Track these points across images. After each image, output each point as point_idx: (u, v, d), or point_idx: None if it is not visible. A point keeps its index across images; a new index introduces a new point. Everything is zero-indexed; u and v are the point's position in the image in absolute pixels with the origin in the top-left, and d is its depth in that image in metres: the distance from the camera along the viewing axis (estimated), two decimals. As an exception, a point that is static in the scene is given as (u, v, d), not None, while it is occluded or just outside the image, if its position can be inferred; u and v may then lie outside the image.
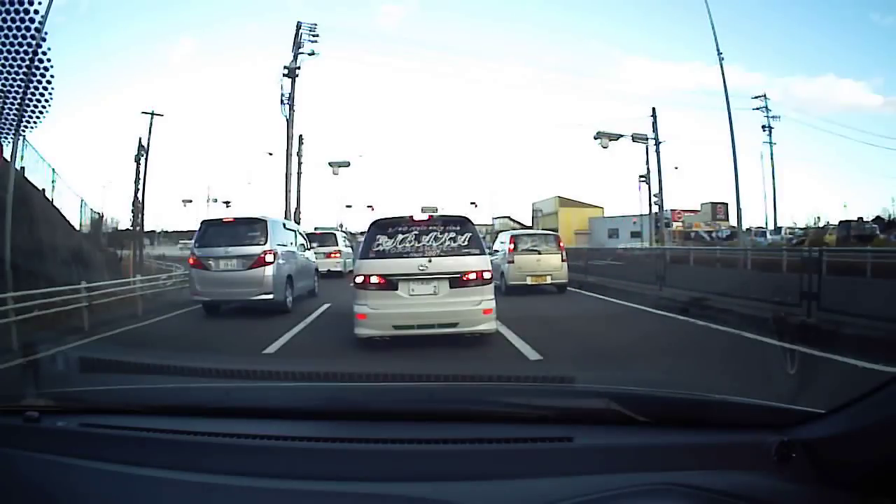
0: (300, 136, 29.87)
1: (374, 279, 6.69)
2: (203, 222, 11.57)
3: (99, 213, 22.16)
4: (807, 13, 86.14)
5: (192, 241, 11.55)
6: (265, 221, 11.17)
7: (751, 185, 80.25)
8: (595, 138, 29.89)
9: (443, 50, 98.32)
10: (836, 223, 37.67)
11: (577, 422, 1.46)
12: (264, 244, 10.66)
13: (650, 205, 31.87)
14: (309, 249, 14.18)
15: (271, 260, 10.58)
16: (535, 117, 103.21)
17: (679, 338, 7.75)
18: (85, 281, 10.17)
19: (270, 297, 10.44)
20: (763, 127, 38.93)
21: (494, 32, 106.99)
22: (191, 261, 11.06)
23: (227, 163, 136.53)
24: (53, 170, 15.96)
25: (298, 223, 23.39)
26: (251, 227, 10.92)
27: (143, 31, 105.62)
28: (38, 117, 9.75)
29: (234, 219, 11.43)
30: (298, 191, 29.50)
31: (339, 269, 19.65)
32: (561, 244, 14.22)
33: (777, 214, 43.78)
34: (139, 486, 1.28)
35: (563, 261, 13.61)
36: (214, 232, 11.04)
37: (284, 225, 12.91)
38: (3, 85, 9.30)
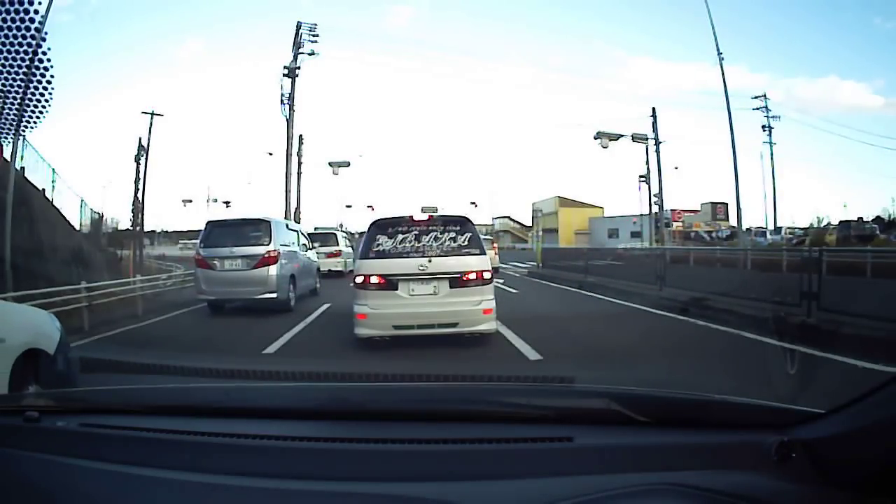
0: (300, 136, 29.90)
1: (374, 279, 6.69)
2: (208, 223, 11.77)
3: (99, 213, 22.14)
4: (810, 16, 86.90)
5: (198, 241, 11.76)
6: (269, 222, 11.41)
7: (751, 185, 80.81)
8: (595, 138, 29.84)
9: (443, 50, 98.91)
10: (836, 223, 37.72)
11: (577, 422, 1.45)
12: (268, 244, 10.88)
13: (650, 205, 31.84)
14: (311, 249, 14.41)
15: (275, 260, 10.79)
16: (535, 117, 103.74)
17: (679, 338, 7.75)
18: (85, 281, 10.17)
19: (274, 295, 10.64)
20: (763, 127, 38.86)
21: (494, 33, 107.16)
22: (196, 260, 11.25)
23: (227, 163, 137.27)
24: (53, 170, 15.94)
25: (298, 223, 23.41)
26: (255, 228, 11.15)
27: (143, 30, 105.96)
28: (38, 117, 9.75)
29: (239, 219, 11.69)
30: (298, 191, 29.53)
31: (339, 268, 19.68)
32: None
33: (777, 214, 43.78)
34: (139, 486, 1.28)
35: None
36: (219, 232, 11.24)
37: (287, 225, 13.21)
38: (3, 85, 9.29)
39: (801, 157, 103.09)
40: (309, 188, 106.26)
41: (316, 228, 24.22)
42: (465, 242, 6.85)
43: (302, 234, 14.13)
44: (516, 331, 7.36)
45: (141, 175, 24.30)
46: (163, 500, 1.25)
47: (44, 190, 15.04)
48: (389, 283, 6.68)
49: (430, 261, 6.68)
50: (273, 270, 10.71)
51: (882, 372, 4.95)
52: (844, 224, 35.91)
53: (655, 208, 31.89)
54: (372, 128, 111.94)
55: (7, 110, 9.66)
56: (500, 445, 1.36)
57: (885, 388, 1.15)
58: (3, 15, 8.61)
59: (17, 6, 8.62)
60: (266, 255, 10.75)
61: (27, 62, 8.99)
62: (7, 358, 3.59)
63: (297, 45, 27.50)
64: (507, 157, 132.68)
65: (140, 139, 24.70)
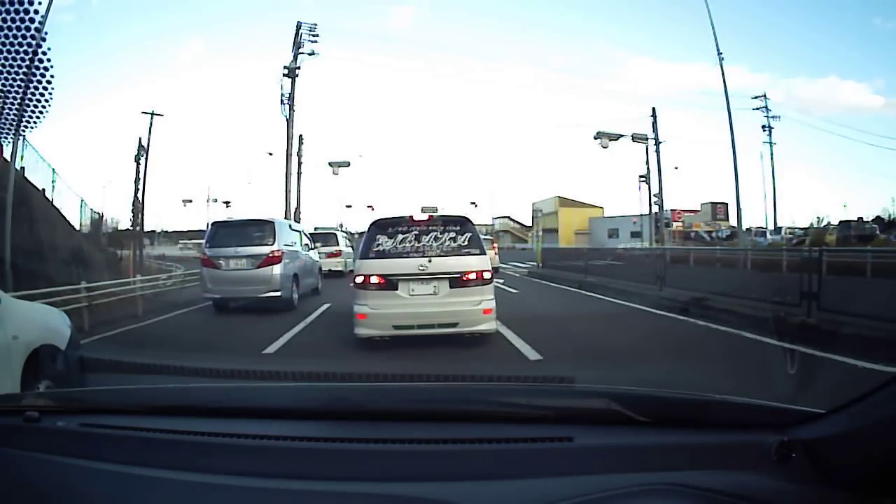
0: (300, 136, 29.92)
1: (374, 279, 6.69)
2: (214, 223, 12.24)
3: (99, 213, 22.11)
4: (810, 16, 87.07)
5: (203, 241, 12.14)
6: (273, 223, 11.81)
7: (751, 185, 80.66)
8: (595, 138, 29.83)
9: (443, 50, 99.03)
10: (836, 223, 37.73)
11: (577, 422, 1.45)
12: (272, 244, 11.19)
13: (650, 205, 31.84)
14: (313, 249, 14.78)
15: (279, 259, 11.10)
16: (535, 117, 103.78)
17: (679, 338, 7.75)
18: (85, 281, 10.16)
19: (278, 294, 10.93)
20: (763, 127, 38.92)
21: (495, 33, 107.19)
22: (202, 260, 11.60)
23: (227, 163, 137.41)
24: (53, 170, 15.93)
25: (298, 223, 23.46)
26: (260, 228, 11.51)
27: (143, 30, 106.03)
28: (38, 117, 9.72)
29: (244, 220, 12.10)
30: (298, 191, 29.55)
31: (339, 268, 19.69)
32: None
33: (777, 214, 43.81)
34: (139, 486, 1.28)
35: None
36: (225, 233, 11.61)
37: (290, 226, 13.64)
38: (3, 85, 9.28)
39: (801, 157, 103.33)
40: (309, 188, 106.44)
41: (316, 228, 24.22)
42: (465, 242, 6.85)
43: (304, 234, 14.48)
44: (516, 331, 7.36)
45: (141, 175, 24.35)
46: (163, 500, 1.25)
47: (44, 190, 15.04)
48: (389, 283, 6.68)
49: (430, 261, 6.68)
50: (277, 270, 11.00)
51: (882, 372, 4.95)
52: (844, 224, 35.89)
53: (655, 208, 31.89)
54: (372, 128, 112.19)
55: (7, 110, 9.65)
56: (500, 445, 1.36)
57: (885, 388, 1.15)
58: (3, 15, 8.60)
59: (17, 6, 8.60)
60: (270, 255, 11.04)
61: (27, 62, 8.98)
62: (20, 354, 3.73)
63: (297, 45, 27.51)
64: (507, 157, 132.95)
65: (140, 139, 24.77)
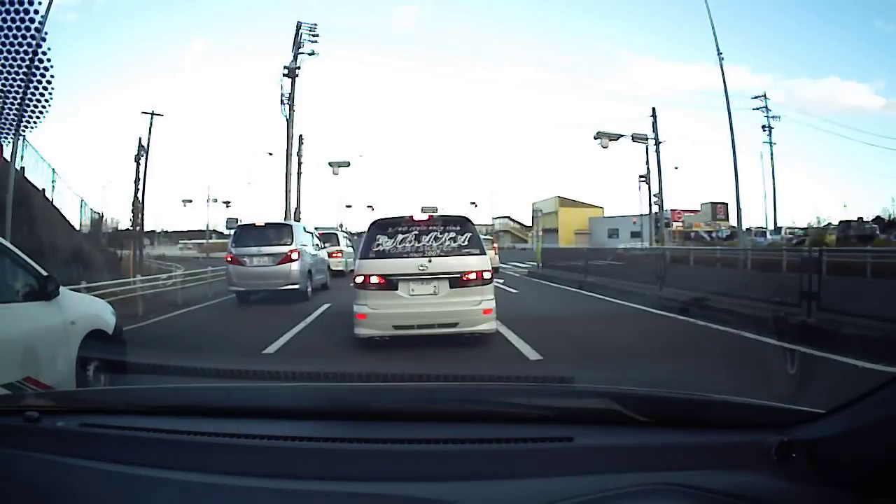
0: (300, 136, 29.89)
1: (374, 279, 6.69)
2: (238, 226, 14.18)
3: (99, 213, 22.18)
4: (812, 18, 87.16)
5: (229, 242, 14.04)
6: (290, 226, 13.95)
7: (751, 185, 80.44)
8: (595, 138, 29.81)
9: (443, 50, 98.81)
10: (837, 223, 37.76)
11: (578, 422, 1.45)
12: (290, 244, 12.90)
13: (650, 205, 31.82)
14: (322, 249, 16.44)
15: (296, 257, 12.79)
16: (535, 117, 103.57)
17: (679, 338, 7.75)
18: (85, 281, 10.16)
19: (296, 287, 12.58)
20: (763, 127, 38.91)
21: (495, 33, 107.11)
22: (228, 258, 13.22)
23: (227, 163, 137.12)
24: (53, 170, 16.01)
25: (298, 223, 23.49)
26: (279, 231, 13.39)
27: (143, 30, 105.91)
28: (38, 117, 9.69)
29: (265, 223, 13.79)
30: (298, 191, 29.52)
31: (340, 268, 19.69)
32: None
33: (777, 214, 43.82)
34: (139, 486, 1.28)
35: None
36: (248, 234, 13.31)
37: (304, 229, 15.37)
38: (3, 85, 9.26)
39: (801, 157, 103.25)
40: (309, 188, 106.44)
41: (316, 228, 24.19)
42: (465, 242, 6.85)
43: (315, 236, 16.20)
44: (516, 331, 7.36)
45: (141, 175, 24.32)
46: (163, 500, 1.25)
47: (44, 190, 15.08)
48: (389, 283, 6.68)
49: (430, 261, 6.68)
50: (295, 266, 12.68)
51: (882, 372, 4.95)
52: (844, 224, 35.93)
53: (655, 208, 31.87)
54: (372, 128, 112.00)
55: (7, 110, 9.64)
56: (500, 445, 1.36)
57: (885, 388, 1.15)
58: (3, 15, 8.58)
59: (17, 6, 8.59)
60: (289, 253, 12.70)
61: (27, 62, 8.97)
62: (76, 337, 4.48)
63: (297, 45, 27.49)
64: (507, 157, 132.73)
65: (140, 139, 24.73)
